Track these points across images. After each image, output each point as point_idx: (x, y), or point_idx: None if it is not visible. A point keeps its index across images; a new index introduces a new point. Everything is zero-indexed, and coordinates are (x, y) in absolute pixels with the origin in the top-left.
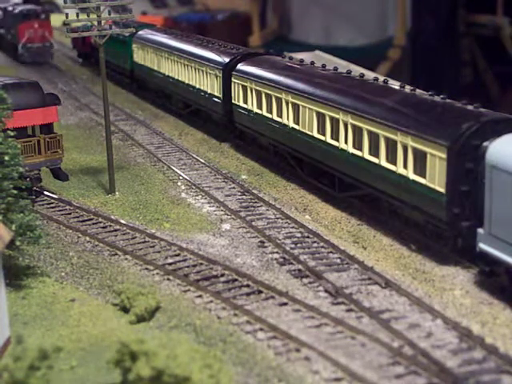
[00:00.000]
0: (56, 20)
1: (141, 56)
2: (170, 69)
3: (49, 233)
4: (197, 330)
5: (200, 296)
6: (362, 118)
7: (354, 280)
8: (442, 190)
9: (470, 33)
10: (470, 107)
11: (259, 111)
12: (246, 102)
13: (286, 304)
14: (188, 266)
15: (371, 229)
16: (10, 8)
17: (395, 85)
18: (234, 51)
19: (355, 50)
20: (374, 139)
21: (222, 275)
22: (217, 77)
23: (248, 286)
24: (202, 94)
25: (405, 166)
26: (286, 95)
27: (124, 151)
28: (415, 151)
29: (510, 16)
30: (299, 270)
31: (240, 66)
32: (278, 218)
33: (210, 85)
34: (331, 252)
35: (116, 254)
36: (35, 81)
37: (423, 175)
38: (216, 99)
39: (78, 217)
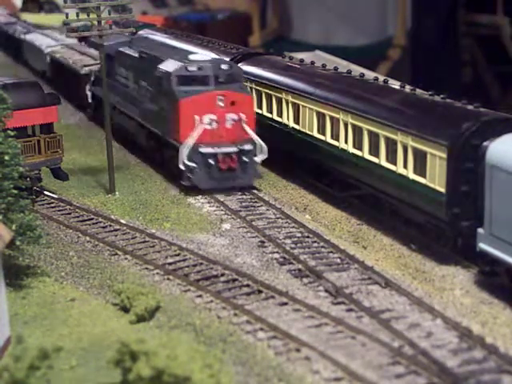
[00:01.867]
0: (56, 20)
1: None
2: None
3: (49, 233)
4: (197, 329)
5: (200, 296)
6: (362, 117)
7: (354, 280)
8: (442, 189)
9: (470, 33)
10: (470, 107)
11: (259, 111)
12: None
13: (286, 304)
14: (188, 266)
15: (371, 229)
16: (135, 51)
17: (395, 85)
18: (234, 51)
19: (355, 50)
20: (374, 139)
21: (222, 275)
22: None
23: (248, 285)
24: None
25: (405, 166)
26: (286, 95)
27: (124, 151)
28: (415, 151)
29: (510, 16)
30: (299, 270)
31: (240, 66)
32: (278, 218)
33: None
34: (331, 252)
35: (116, 254)
36: (35, 80)
37: (423, 175)
38: None
39: (78, 216)
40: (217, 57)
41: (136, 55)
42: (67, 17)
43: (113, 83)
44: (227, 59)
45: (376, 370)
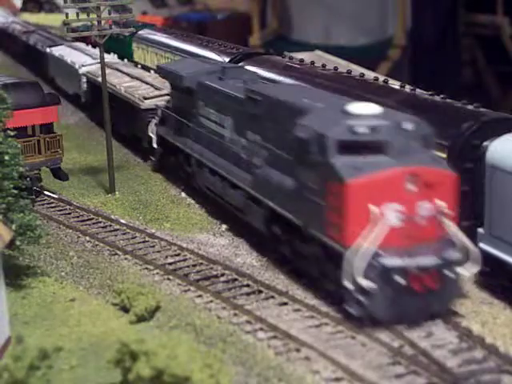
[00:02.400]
0: (56, 20)
1: (141, 56)
2: None
3: (49, 232)
4: (197, 329)
5: (200, 296)
6: None
7: None
8: None
9: (470, 33)
10: (470, 107)
11: None
12: None
13: (286, 304)
14: (188, 266)
15: None
16: (235, 88)
17: (395, 85)
18: (234, 51)
19: (355, 50)
20: None
21: (222, 275)
22: None
23: (248, 285)
24: None
25: None
26: None
27: (124, 151)
28: None
29: (510, 16)
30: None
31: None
32: None
33: None
34: None
35: (116, 254)
36: (35, 81)
37: None
38: None
39: (78, 216)
40: (389, 110)
41: (239, 95)
42: (67, 17)
43: (193, 127)
44: (227, 59)
45: (376, 370)
